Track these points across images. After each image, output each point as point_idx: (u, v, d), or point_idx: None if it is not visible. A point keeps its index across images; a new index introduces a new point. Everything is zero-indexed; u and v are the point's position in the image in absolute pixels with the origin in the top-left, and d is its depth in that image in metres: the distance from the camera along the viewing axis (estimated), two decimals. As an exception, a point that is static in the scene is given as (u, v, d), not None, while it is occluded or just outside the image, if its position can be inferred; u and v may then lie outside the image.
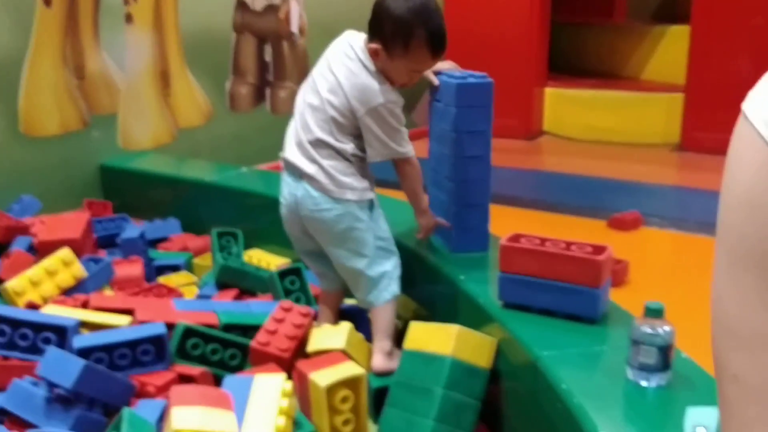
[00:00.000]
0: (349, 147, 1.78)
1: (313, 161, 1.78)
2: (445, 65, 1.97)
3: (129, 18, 3.10)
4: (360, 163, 1.82)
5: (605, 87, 4.77)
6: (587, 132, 4.65)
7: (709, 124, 4.10)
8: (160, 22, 3.22)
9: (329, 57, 1.82)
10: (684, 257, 2.86)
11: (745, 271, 0.46)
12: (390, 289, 1.86)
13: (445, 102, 1.90)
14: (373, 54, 1.75)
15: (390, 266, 1.86)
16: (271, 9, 3.64)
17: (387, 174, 1.97)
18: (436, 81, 1.93)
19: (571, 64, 5.25)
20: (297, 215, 1.85)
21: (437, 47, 1.75)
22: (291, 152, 1.83)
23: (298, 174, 1.81)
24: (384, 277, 1.85)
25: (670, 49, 4.73)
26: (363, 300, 1.88)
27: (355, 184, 1.80)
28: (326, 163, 1.77)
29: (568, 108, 4.78)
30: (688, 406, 1.00)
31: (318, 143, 1.78)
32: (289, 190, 1.85)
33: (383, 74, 1.77)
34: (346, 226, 1.80)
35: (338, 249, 1.84)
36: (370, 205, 1.85)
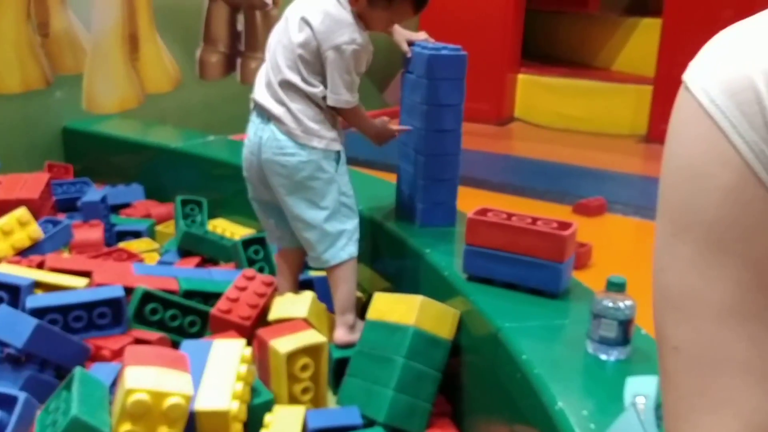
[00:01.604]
0: (318, 90, 1.74)
1: (281, 103, 1.73)
2: (418, 36, 1.95)
3: (97, -23, 3.01)
4: (331, 112, 1.78)
5: (576, 76, 4.81)
6: (557, 119, 4.69)
7: (676, 117, 4.14)
8: (130, -17, 3.13)
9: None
10: (646, 243, 2.85)
11: (685, 243, 0.46)
12: (348, 249, 1.79)
13: (418, 74, 1.88)
14: (353, 0, 1.72)
15: (350, 226, 1.80)
16: (245, -23, 3.58)
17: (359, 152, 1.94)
18: (408, 52, 1.90)
19: (543, 51, 5.27)
20: (258, 158, 1.77)
21: (421, 3, 1.75)
22: (260, 93, 1.77)
23: (266, 115, 1.76)
24: (342, 236, 1.78)
25: (641, 42, 4.78)
26: (318, 258, 1.80)
27: (323, 132, 1.75)
28: (294, 106, 1.73)
29: (539, 95, 4.81)
30: (627, 376, 1.01)
31: (286, 84, 1.73)
32: (254, 131, 1.78)
33: (359, 18, 1.73)
34: (308, 173, 1.73)
35: (296, 199, 1.76)
36: (337, 158, 1.79)
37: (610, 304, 1.28)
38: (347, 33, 1.69)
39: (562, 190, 3.37)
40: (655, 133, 4.28)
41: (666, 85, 4.22)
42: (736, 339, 0.44)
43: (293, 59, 1.72)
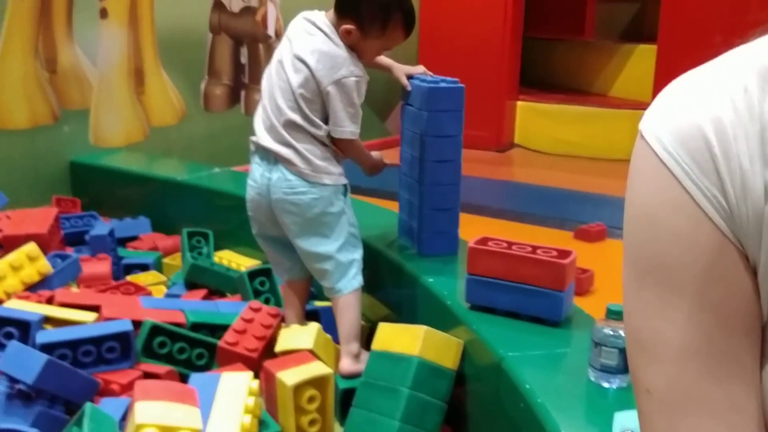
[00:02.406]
0: (321, 131, 1.78)
1: (288, 145, 1.77)
2: (416, 69, 2.00)
3: (104, 13, 3.07)
4: (334, 147, 1.83)
5: (574, 102, 4.87)
6: (556, 145, 4.74)
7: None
8: (136, 19, 3.20)
9: (290, 37, 1.81)
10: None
11: (647, 286, 0.48)
12: (358, 278, 1.85)
13: (417, 106, 1.93)
14: (345, 34, 1.76)
15: (359, 255, 1.87)
16: (247, 11, 3.65)
17: (359, 181, 1.98)
18: (408, 85, 1.95)
19: (541, 78, 5.34)
20: (267, 199, 1.81)
21: (410, 27, 1.82)
22: (263, 137, 1.80)
23: (272, 158, 1.79)
24: (353, 265, 1.84)
25: (638, 68, 4.85)
26: (331, 288, 1.84)
27: (331, 169, 1.80)
28: (301, 146, 1.77)
29: (538, 121, 4.87)
30: (615, 411, 1.03)
31: (290, 125, 1.77)
32: (261, 172, 1.82)
33: (351, 49, 1.78)
34: (320, 210, 1.79)
35: (308, 235, 1.81)
36: (344, 191, 1.85)
37: (611, 332, 1.31)
38: (345, 66, 1.74)
39: (562, 216, 3.40)
40: (654, 157, 4.32)
41: (663, 109, 4.26)
42: (700, 380, 0.46)
43: (294, 100, 1.76)
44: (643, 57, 4.73)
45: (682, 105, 0.47)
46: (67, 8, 2.95)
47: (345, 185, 1.84)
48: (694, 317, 0.46)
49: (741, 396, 0.46)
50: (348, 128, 1.77)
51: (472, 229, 2.10)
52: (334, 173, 1.80)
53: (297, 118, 1.76)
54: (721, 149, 0.45)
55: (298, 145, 1.77)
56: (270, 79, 1.82)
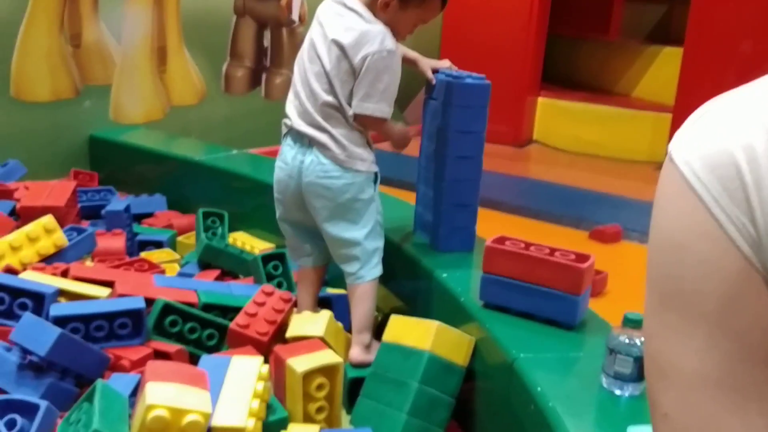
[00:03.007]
0: (350, 117, 1.76)
1: (323, 130, 1.75)
2: (442, 64, 1.98)
3: (129, -10, 3.07)
4: (368, 135, 1.81)
5: (596, 101, 4.83)
6: (575, 144, 4.71)
7: (694, 146, 4.15)
8: (161, -2, 3.20)
9: (321, 21, 1.79)
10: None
11: (670, 311, 0.47)
12: (379, 267, 1.85)
13: (441, 100, 1.91)
14: (383, 6, 1.73)
15: (382, 244, 1.86)
16: (272, -6, 3.64)
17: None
18: (433, 79, 1.93)
19: (563, 76, 5.30)
20: (297, 182, 1.80)
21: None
22: (297, 122, 1.79)
23: (306, 141, 1.78)
24: (376, 253, 1.84)
25: (662, 70, 4.80)
26: (354, 273, 1.83)
27: (365, 155, 1.79)
28: (337, 131, 1.75)
29: (558, 119, 4.83)
30: (627, 422, 1.02)
31: (325, 109, 1.75)
32: (293, 155, 1.79)
33: (387, 26, 1.75)
34: (351, 196, 1.78)
35: (338, 220, 1.80)
36: (375, 178, 1.84)
37: (626, 341, 1.29)
38: (377, 42, 1.70)
39: (578, 216, 3.38)
40: (674, 161, 4.28)
41: (685, 113, 4.04)
42: (719, 409, 0.45)
43: (328, 82, 1.74)
44: (669, 59, 4.67)
45: (713, 129, 0.46)
46: (94, -17, 2.95)
47: (376, 173, 1.83)
48: (716, 345, 0.46)
49: (760, 427, 0.45)
50: (373, 105, 1.73)
51: (488, 225, 2.08)
52: (367, 160, 1.79)
53: (332, 99, 1.74)
54: (752, 178, 0.44)
55: (334, 131, 1.75)
56: (302, 64, 1.80)
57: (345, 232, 1.81)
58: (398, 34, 1.78)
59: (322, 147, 1.76)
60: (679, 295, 0.46)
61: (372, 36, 1.71)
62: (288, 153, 1.82)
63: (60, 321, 1.66)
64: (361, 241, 1.81)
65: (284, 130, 1.84)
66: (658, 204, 0.49)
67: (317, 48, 1.76)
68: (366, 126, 1.80)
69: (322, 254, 1.93)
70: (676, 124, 4.25)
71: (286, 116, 1.83)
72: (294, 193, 1.83)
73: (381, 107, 1.74)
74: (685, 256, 0.46)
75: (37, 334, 1.54)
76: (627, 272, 2.92)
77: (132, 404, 1.44)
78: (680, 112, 4.25)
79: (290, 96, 1.84)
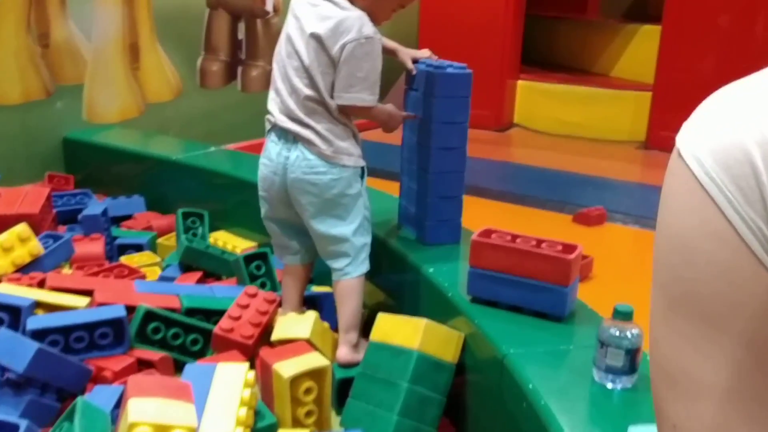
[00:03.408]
0: (335, 110, 1.72)
1: (307, 126, 1.71)
2: (422, 53, 1.94)
3: (98, -14, 2.99)
4: (353, 127, 1.77)
5: (576, 82, 4.80)
6: (556, 126, 4.69)
7: (675, 124, 4.10)
8: (131, -7, 3.12)
9: (296, 14, 1.74)
10: (647, 253, 2.89)
11: (680, 316, 0.44)
12: (366, 263, 1.82)
13: (423, 91, 1.87)
14: None
15: (369, 240, 1.83)
16: (245, -15, 3.56)
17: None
18: (414, 69, 1.89)
19: (542, 57, 5.27)
20: (282, 178, 1.76)
21: None
22: (281, 119, 1.74)
23: (291, 137, 1.73)
24: (364, 249, 1.81)
25: (641, 48, 4.78)
26: (341, 270, 1.80)
27: (351, 150, 1.75)
28: (321, 126, 1.71)
29: (539, 101, 4.81)
30: (630, 425, 1.01)
31: (308, 103, 1.70)
32: (278, 151, 1.75)
33: (364, 11, 1.70)
34: (338, 191, 1.74)
35: (325, 216, 1.76)
36: (362, 173, 1.80)
37: (617, 333, 1.28)
38: (354, 29, 1.65)
39: (562, 199, 3.37)
40: (654, 140, 4.28)
41: (665, 91, 4.22)
42: (735, 422, 0.43)
43: (309, 77, 1.70)
44: (647, 37, 4.65)
45: (725, 122, 0.43)
46: (60, -20, 2.87)
47: (363, 167, 1.80)
48: (734, 356, 0.43)
49: None
50: (354, 94, 1.68)
51: (472, 212, 2.06)
52: (354, 154, 1.76)
53: (314, 94, 1.70)
54: None
55: (318, 126, 1.71)
56: (281, 60, 1.75)
57: (333, 228, 1.77)
58: (376, 20, 1.73)
59: (307, 142, 1.72)
60: (689, 299, 0.44)
61: (349, 24, 1.66)
62: (272, 149, 1.77)
63: (38, 334, 1.62)
64: (350, 237, 1.78)
65: (268, 126, 1.80)
66: (665, 202, 0.46)
67: (294, 43, 1.72)
68: (351, 115, 1.75)
69: (309, 252, 1.90)
70: (656, 103, 4.28)
71: (268, 113, 1.79)
72: (279, 190, 1.79)
73: (362, 96, 1.69)
74: (695, 258, 0.43)
75: (15, 350, 1.50)
76: (613, 255, 2.93)
77: (115, 418, 1.40)
78: (661, 90, 4.24)
79: (271, 93, 1.79)
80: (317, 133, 1.72)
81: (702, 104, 0.46)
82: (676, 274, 0.44)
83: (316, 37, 1.68)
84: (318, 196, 1.74)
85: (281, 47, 1.76)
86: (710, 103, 0.45)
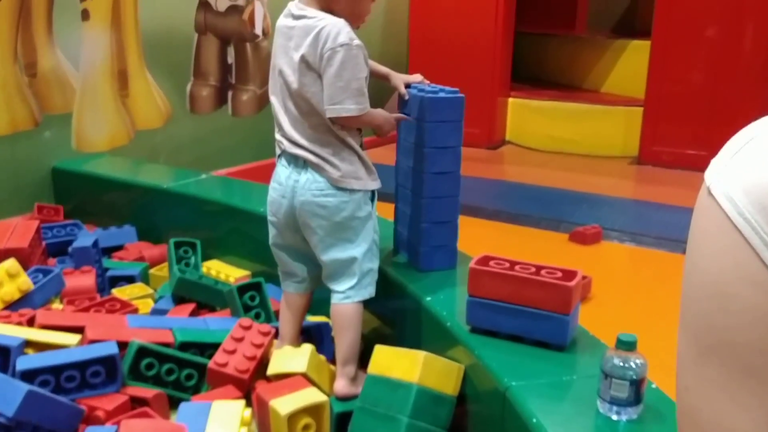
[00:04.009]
0: (335, 126, 1.70)
1: (314, 153, 1.70)
2: (414, 78, 1.93)
3: (86, 14, 2.97)
4: (359, 149, 1.75)
5: (567, 99, 4.81)
6: (548, 142, 4.69)
7: (667, 138, 4.17)
8: (119, 20, 3.09)
9: (279, 42, 1.72)
10: (643, 271, 2.90)
11: (712, 364, 0.42)
12: (369, 288, 1.79)
13: (416, 116, 1.86)
14: None
15: (376, 265, 1.81)
16: (234, 10, 3.55)
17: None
18: (406, 94, 1.88)
19: (532, 74, 5.28)
20: (291, 202, 1.74)
21: None
22: (289, 146, 1.73)
23: (300, 162, 1.72)
24: (369, 274, 1.78)
25: (630, 63, 4.80)
26: (343, 292, 1.77)
27: (360, 173, 1.73)
28: (327, 151, 1.69)
29: (530, 118, 4.81)
30: None
31: (310, 130, 1.69)
32: (287, 174, 1.74)
33: (338, 16, 1.67)
34: (348, 214, 1.72)
35: (332, 240, 1.74)
36: (372, 196, 1.78)
37: (621, 364, 1.25)
38: (330, 38, 1.62)
39: (557, 217, 3.36)
40: (647, 154, 4.29)
41: (656, 106, 4.23)
42: None
43: (306, 101, 1.68)
44: (637, 52, 4.67)
45: (759, 158, 0.40)
46: (48, 10, 2.85)
47: (374, 191, 1.77)
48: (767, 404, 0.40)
49: None
50: (339, 105, 1.64)
51: (467, 233, 2.03)
52: (362, 178, 1.73)
53: (315, 119, 1.69)
54: None
55: (324, 151, 1.69)
56: (276, 92, 1.74)
57: (342, 251, 1.75)
58: (354, 21, 1.70)
59: (316, 167, 1.71)
60: (723, 347, 0.41)
61: (324, 34, 1.63)
62: (282, 173, 1.76)
63: (28, 375, 1.58)
64: (357, 260, 1.75)
65: (278, 150, 1.78)
66: (695, 243, 0.43)
67: (284, 72, 1.70)
68: (345, 125, 1.72)
69: (314, 281, 1.88)
70: (648, 117, 4.28)
71: (276, 139, 1.78)
72: (287, 213, 1.77)
73: (346, 106, 1.65)
74: (729, 303, 0.41)
75: (4, 393, 1.46)
76: (611, 274, 2.91)
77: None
78: (652, 104, 4.26)
79: (276, 126, 1.77)
80: (324, 158, 1.70)
81: (732, 140, 0.43)
82: (709, 320, 0.42)
83: (300, 59, 1.66)
84: (327, 219, 1.72)
85: (274, 79, 1.75)
86: (741, 139, 0.43)
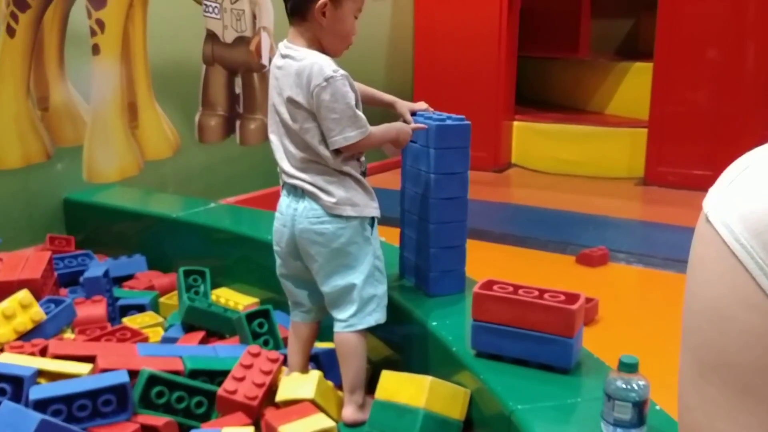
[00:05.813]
0: (337, 161, 1.73)
1: (311, 183, 1.73)
2: (419, 106, 1.97)
3: (96, 49, 3.04)
4: (358, 176, 1.78)
5: (571, 121, 4.85)
6: (554, 165, 4.72)
7: (672, 159, 4.19)
8: (128, 54, 3.16)
9: (272, 83, 1.77)
10: (651, 294, 2.89)
11: (712, 384, 0.44)
12: (375, 314, 1.79)
13: (422, 143, 1.89)
14: (320, 14, 1.67)
15: (380, 291, 1.81)
16: (241, 41, 3.62)
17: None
18: (412, 121, 1.91)
19: (536, 97, 5.33)
20: (291, 231, 1.77)
21: None
22: (286, 177, 1.78)
23: (300, 191, 1.76)
24: (373, 300, 1.79)
25: (634, 85, 4.84)
26: (345, 321, 1.78)
27: (356, 200, 1.75)
28: (323, 181, 1.73)
29: (535, 141, 4.85)
30: None
31: (304, 163, 1.73)
32: (287, 203, 1.78)
33: (326, 45, 1.71)
34: (345, 240, 1.74)
35: (332, 267, 1.76)
36: (372, 222, 1.80)
37: (624, 386, 1.26)
38: (314, 75, 1.66)
39: (563, 240, 3.36)
40: (653, 175, 4.30)
41: (661, 127, 4.26)
42: None
43: (299, 138, 1.73)
44: (640, 74, 4.71)
45: (754, 186, 0.42)
46: (59, 46, 2.92)
47: (373, 217, 1.79)
48: (766, 424, 0.42)
49: None
50: (339, 137, 1.68)
51: (474, 256, 2.05)
52: (358, 204, 1.76)
53: (308, 155, 1.73)
54: None
55: (318, 180, 1.73)
56: (274, 131, 1.79)
57: (341, 278, 1.77)
58: (335, 52, 1.74)
59: (312, 195, 1.74)
60: (724, 367, 0.43)
61: (308, 72, 1.67)
62: (283, 202, 1.80)
63: (40, 404, 1.60)
64: (355, 288, 1.77)
65: (281, 181, 1.83)
66: (694, 268, 0.45)
67: (280, 112, 1.75)
68: (353, 153, 1.75)
69: (321, 311, 1.89)
70: (652, 138, 4.31)
71: (279, 171, 1.82)
72: (289, 242, 1.80)
73: (346, 135, 1.68)
74: (727, 326, 0.43)
75: (17, 423, 1.48)
76: (618, 297, 2.91)
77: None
78: (656, 125, 4.28)
79: (276, 159, 1.82)
80: (318, 186, 1.74)
81: (728, 169, 0.45)
82: (708, 342, 0.44)
83: (288, 99, 1.71)
84: (325, 245, 1.75)
85: (272, 116, 1.80)
86: (736, 168, 0.45)
